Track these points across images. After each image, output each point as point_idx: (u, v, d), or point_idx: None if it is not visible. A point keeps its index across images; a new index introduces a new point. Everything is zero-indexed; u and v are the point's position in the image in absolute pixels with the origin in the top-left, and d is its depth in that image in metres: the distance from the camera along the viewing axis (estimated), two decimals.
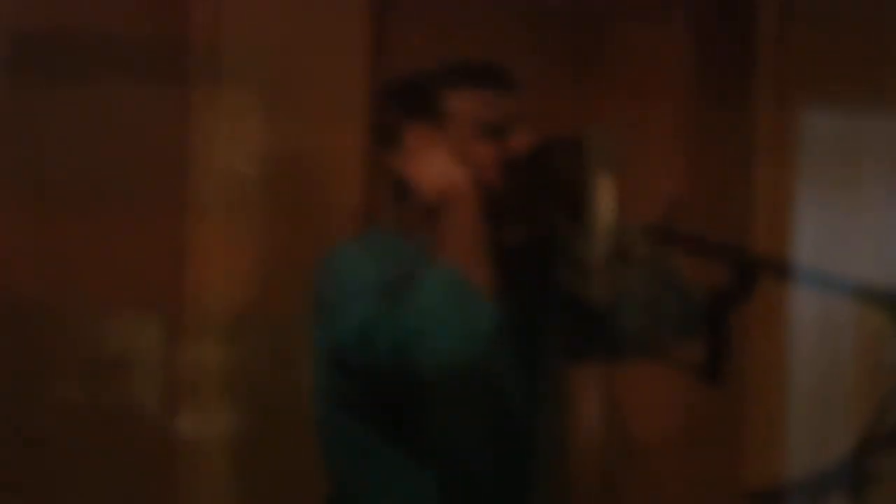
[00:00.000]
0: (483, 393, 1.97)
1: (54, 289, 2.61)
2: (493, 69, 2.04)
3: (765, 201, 2.83)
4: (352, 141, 2.69)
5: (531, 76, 2.43)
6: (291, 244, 2.69)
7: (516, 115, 2.03)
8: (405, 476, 1.98)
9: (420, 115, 2.00)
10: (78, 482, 2.60)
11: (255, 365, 2.71)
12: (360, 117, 2.69)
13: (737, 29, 2.87)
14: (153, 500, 2.66)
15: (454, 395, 1.93)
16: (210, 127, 2.67)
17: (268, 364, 2.71)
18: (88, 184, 2.63)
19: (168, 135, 2.66)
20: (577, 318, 1.92)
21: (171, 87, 2.66)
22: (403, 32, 2.73)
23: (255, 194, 2.72)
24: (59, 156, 2.62)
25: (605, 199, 1.81)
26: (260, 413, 2.69)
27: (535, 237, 1.98)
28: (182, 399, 2.67)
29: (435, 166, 1.96)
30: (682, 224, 1.84)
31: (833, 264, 1.74)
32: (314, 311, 2.02)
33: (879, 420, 1.72)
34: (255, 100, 2.71)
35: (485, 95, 2.02)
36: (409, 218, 2.03)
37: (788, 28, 2.84)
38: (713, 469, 2.82)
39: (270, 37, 2.70)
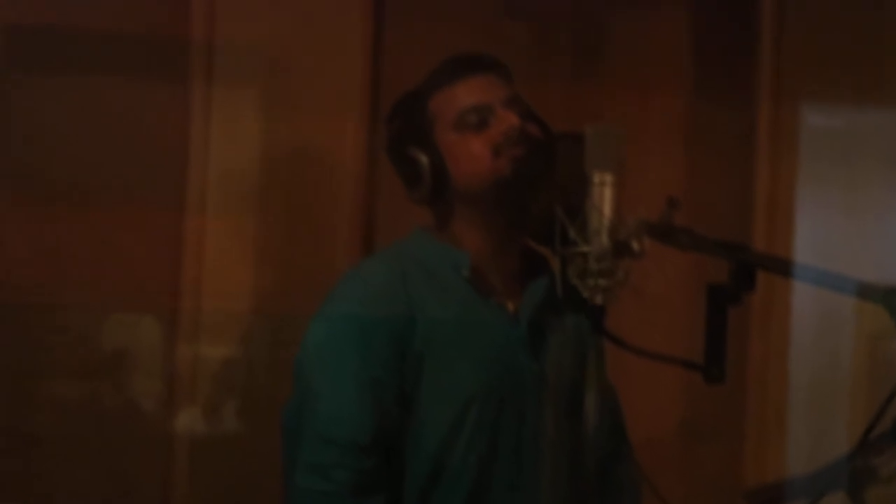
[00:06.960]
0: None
1: (52, 285, 2.61)
2: (459, 61, 2.07)
3: (764, 198, 2.83)
4: (352, 137, 2.69)
5: (531, 71, 2.43)
6: (290, 241, 2.69)
7: (499, 99, 2.05)
8: None
9: (419, 136, 2.05)
10: (74, 479, 2.59)
11: (253, 362, 2.70)
12: (360, 113, 2.69)
13: (736, 25, 2.87)
14: (149, 498, 2.65)
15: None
16: (209, 124, 2.67)
17: (266, 361, 2.70)
18: (86, 180, 2.63)
19: (167, 131, 2.66)
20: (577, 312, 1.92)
21: (171, 83, 2.66)
22: (403, 27, 2.73)
23: (254, 191, 2.72)
24: (57, 152, 2.61)
25: (604, 195, 1.81)
26: (257, 410, 2.68)
27: (535, 231, 1.99)
28: (179, 396, 2.66)
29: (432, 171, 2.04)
30: (680, 221, 1.83)
31: (832, 261, 1.73)
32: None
33: (879, 418, 1.71)
34: (254, 96, 2.71)
35: (453, 91, 2.05)
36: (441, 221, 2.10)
37: (788, 24, 2.84)
38: (711, 466, 2.81)
39: (270, 32, 2.70)
